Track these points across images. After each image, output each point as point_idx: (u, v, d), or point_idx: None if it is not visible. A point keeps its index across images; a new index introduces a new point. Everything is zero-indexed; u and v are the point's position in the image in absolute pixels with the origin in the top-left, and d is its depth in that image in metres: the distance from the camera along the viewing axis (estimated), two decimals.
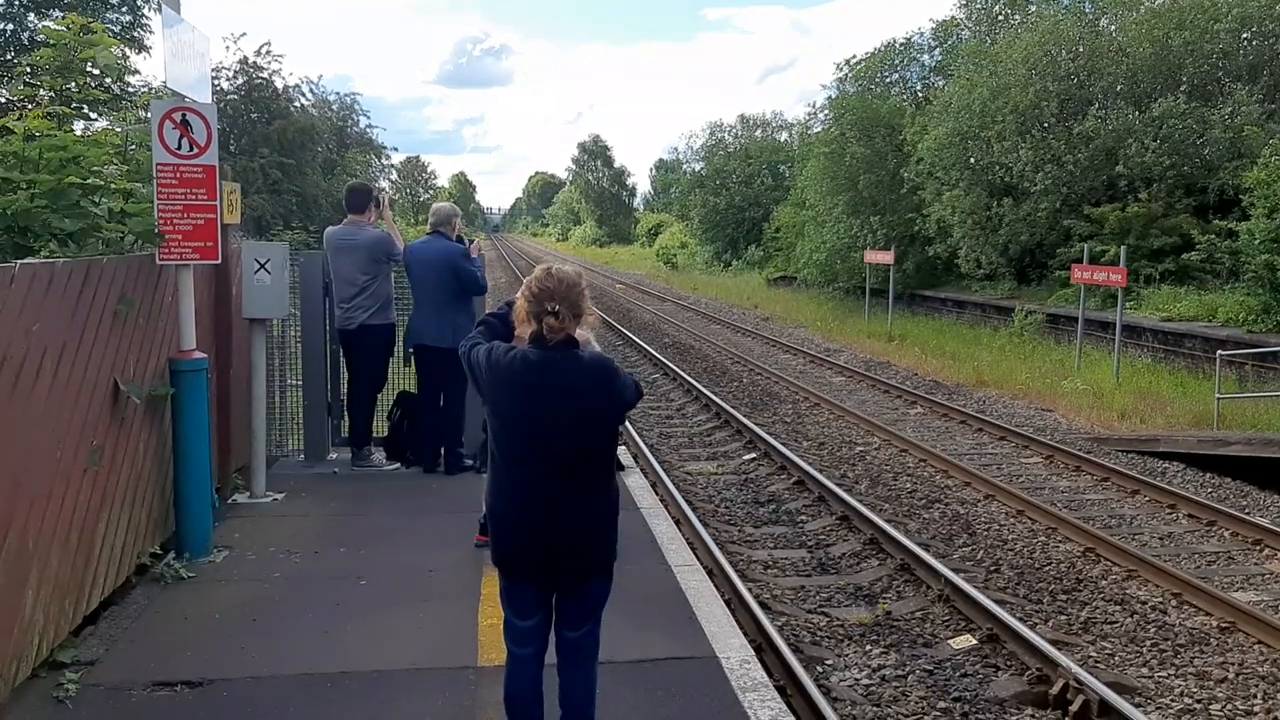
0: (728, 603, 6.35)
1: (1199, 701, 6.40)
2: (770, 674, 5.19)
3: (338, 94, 39.08)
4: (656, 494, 8.99)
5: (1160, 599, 8.07)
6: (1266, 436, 12.59)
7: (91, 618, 5.42)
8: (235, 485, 8.02)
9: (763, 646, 6.47)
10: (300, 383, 9.32)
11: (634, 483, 8.62)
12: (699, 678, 4.90)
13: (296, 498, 8.00)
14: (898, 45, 36.74)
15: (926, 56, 36.22)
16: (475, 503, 7.61)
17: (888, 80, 36.70)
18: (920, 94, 35.30)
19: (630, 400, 3.78)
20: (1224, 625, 7.52)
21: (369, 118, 38.43)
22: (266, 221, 26.95)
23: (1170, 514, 10.51)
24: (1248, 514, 10.33)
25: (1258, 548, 9.37)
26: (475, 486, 8.20)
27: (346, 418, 9.19)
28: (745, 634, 5.75)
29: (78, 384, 5.13)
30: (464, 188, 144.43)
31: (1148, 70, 25.37)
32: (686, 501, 10.15)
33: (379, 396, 9.06)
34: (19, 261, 4.61)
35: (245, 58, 31.50)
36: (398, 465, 8.99)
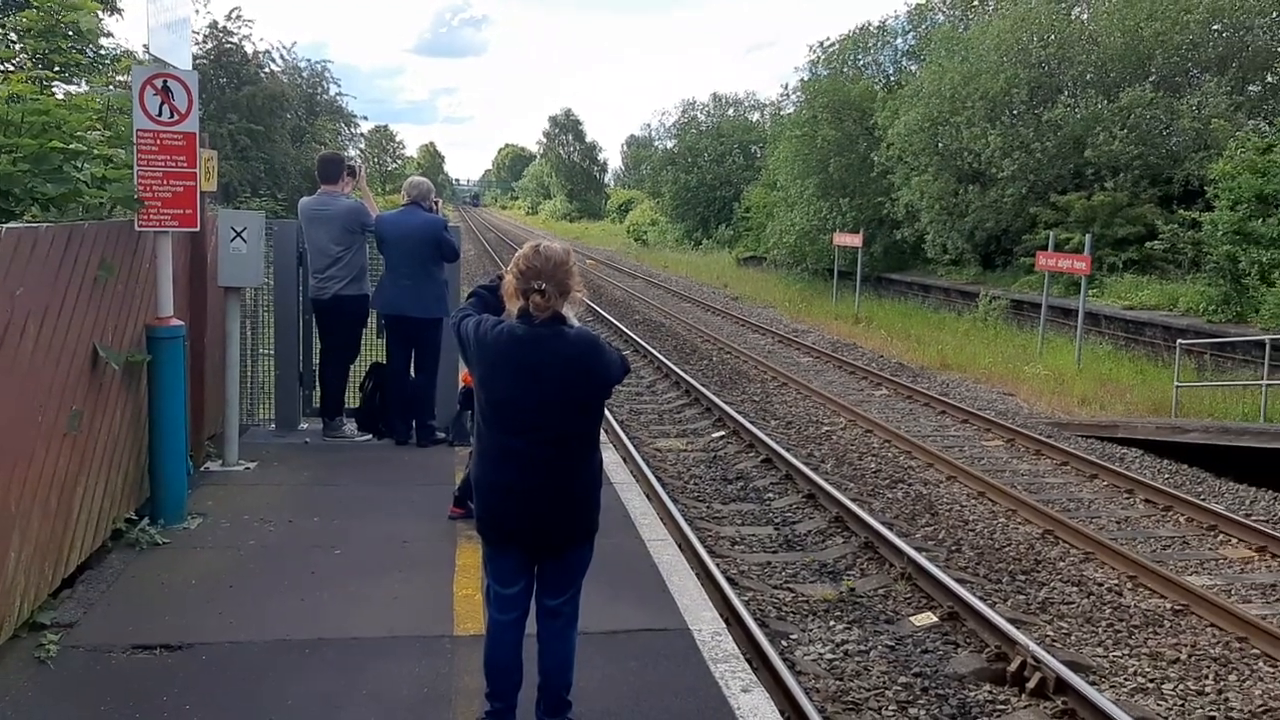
0: (697, 577, 6.47)
1: (1152, 681, 6.59)
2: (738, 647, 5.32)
3: (309, 61, 38.68)
4: (627, 469, 9.09)
5: (1116, 581, 8.28)
6: (1223, 425, 12.87)
7: (69, 581, 5.45)
8: (208, 453, 8.03)
9: (729, 621, 6.58)
10: (272, 352, 9.32)
11: (605, 458, 8.67)
12: (672, 649, 5.01)
13: (269, 466, 8.03)
14: (872, 28, 36.86)
15: (900, 40, 36.37)
16: (448, 475, 7.70)
17: (860, 63, 36.82)
18: (892, 78, 35.44)
19: (616, 377, 3.86)
20: (1178, 608, 7.73)
21: (340, 85, 38.05)
22: (234, 188, 26.68)
23: (1128, 498, 10.75)
24: (1203, 500, 10.58)
25: (1212, 533, 9.61)
26: (448, 459, 8.28)
27: (318, 388, 9.20)
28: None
29: (58, 349, 5.14)
30: (432, 158, 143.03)
31: (1118, 59, 25.63)
32: (656, 478, 10.27)
33: (351, 367, 9.08)
34: (4, 225, 4.62)
35: (215, 22, 31.11)
36: (369, 436, 9.02)
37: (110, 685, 4.45)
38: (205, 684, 4.51)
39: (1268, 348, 14.34)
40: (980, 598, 7.47)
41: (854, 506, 9.38)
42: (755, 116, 57.39)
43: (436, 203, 8.81)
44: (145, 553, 6.06)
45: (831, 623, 7.26)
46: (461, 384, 8.31)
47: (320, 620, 5.22)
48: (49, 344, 5.02)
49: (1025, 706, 6.10)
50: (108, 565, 5.83)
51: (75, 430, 5.33)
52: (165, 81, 6.24)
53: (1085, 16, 27.81)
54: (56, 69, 6.66)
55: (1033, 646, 6.43)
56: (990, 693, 6.29)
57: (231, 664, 4.71)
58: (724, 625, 5.45)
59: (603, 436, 9.91)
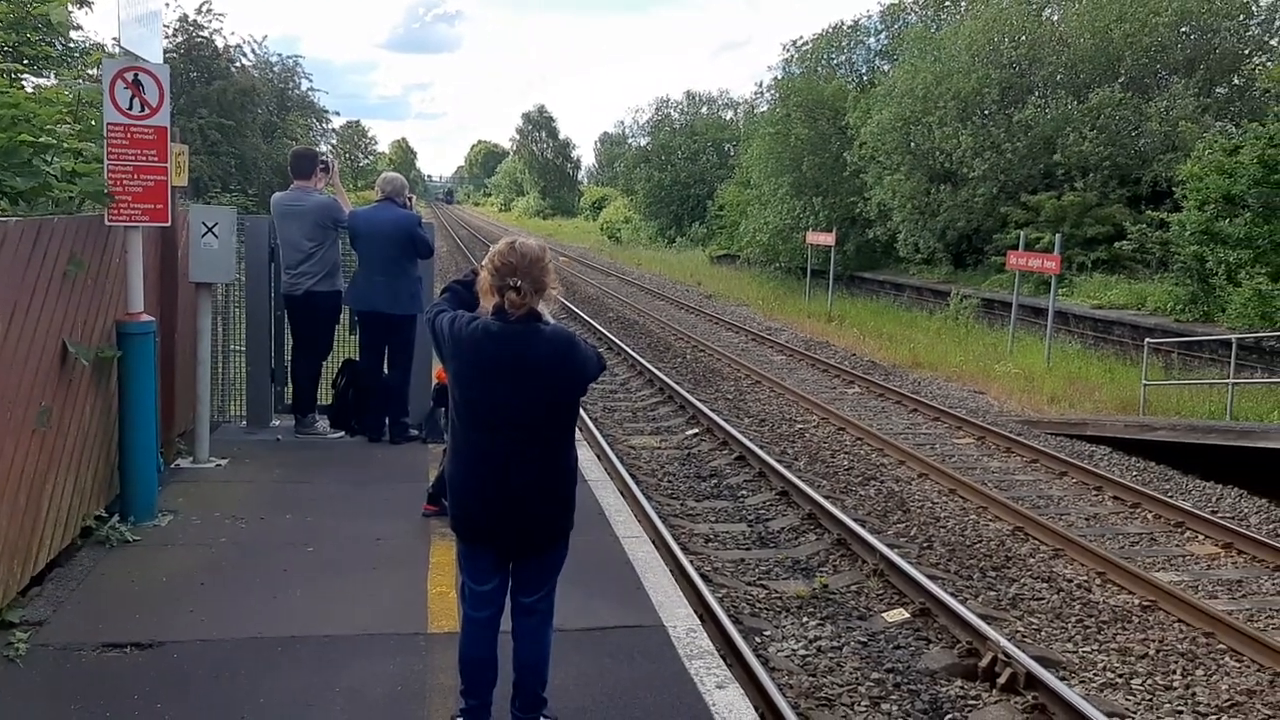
0: (671, 574, 6.48)
1: (1121, 676, 6.66)
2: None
3: (280, 55, 38.48)
4: (601, 466, 9.09)
5: (1085, 577, 8.36)
6: (1190, 422, 13.01)
7: (38, 579, 5.39)
8: (178, 450, 7.97)
9: (703, 617, 6.60)
10: (243, 348, 9.25)
11: (580, 455, 8.66)
12: (647, 646, 5.01)
13: (240, 464, 7.96)
14: (845, 28, 37.03)
15: (873, 40, 36.56)
16: (422, 472, 7.67)
17: (834, 62, 36.97)
18: (865, 77, 35.61)
19: (591, 374, 3.84)
20: (1146, 604, 7.81)
21: (311, 80, 37.93)
22: (204, 183, 26.50)
23: (1096, 495, 10.85)
24: (1170, 497, 10.69)
25: (1179, 530, 9.72)
26: (421, 456, 8.25)
27: (290, 384, 9.13)
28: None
29: (27, 344, 5.09)
30: (405, 154, 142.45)
31: (1088, 61, 25.87)
32: (630, 475, 10.27)
33: (323, 364, 9.02)
34: None
35: (185, 15, 30.91)
36: (342, 434, 8.96)
37: (80, 684, 4.41)
38: (176, 682, 4.47)
39: (1234, 347, 14.50)
40: (951, 594, 7.52)
41: (826, 504, 9.42)
42: (729, 115, 57.55)
43: (410, 198, 8.78)
44: (115, 550, 6.00)
45: (805, 619, 7.29)
46: (435, 380, 8.28)
47: (293, 618, 5.19)
48: (17, 340, 4.96)
49: (996, 702, 6.14)
50: (77, 563, 5.77)
51: (44, 427, 5.27)
52: (136, 75, 6.18)
53: (1056, 18, 28.04)
54: (26, 61, 6.57)
55: (1003, 642, 6.48)
56: (962, 688, 6.33)
57: (203, 662, 4.67)
58: (698, 622, 5.47)
59: (577, 434, 9.92)
